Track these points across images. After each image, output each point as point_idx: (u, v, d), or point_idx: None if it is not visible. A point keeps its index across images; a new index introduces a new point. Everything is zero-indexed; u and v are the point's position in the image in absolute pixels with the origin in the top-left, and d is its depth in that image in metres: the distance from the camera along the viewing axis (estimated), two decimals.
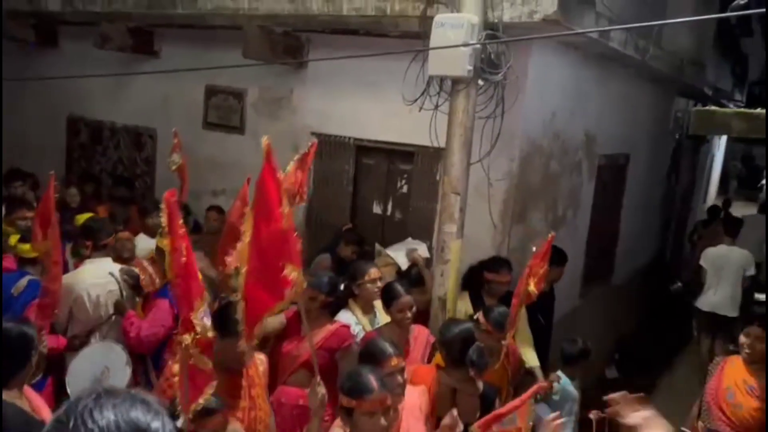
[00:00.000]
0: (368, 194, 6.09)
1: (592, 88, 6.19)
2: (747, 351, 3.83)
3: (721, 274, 7.36)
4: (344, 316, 4.24)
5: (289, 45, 5.88)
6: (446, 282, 4.55)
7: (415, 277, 4.78)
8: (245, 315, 2.82)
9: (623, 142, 7.34)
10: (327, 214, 6.18)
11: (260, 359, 3.38)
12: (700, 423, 4.03)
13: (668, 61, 7.12)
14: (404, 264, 4.95)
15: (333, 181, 6.14)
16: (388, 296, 4.04)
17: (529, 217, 5.50)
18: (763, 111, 3.46)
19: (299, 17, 5.32)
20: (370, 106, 5.71)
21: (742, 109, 3.03)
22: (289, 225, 2.84)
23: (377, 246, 5.40)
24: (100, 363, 3.87)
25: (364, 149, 5.99)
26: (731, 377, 3.94)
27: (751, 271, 7.44)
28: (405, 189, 5.87)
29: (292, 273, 2.77)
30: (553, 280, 5.16)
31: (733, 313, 7.33)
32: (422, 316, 4.45)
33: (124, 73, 6.84)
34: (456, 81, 4.34)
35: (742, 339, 3.86)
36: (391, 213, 5.99)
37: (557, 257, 5.21)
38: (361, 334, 4.14)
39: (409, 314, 3.97)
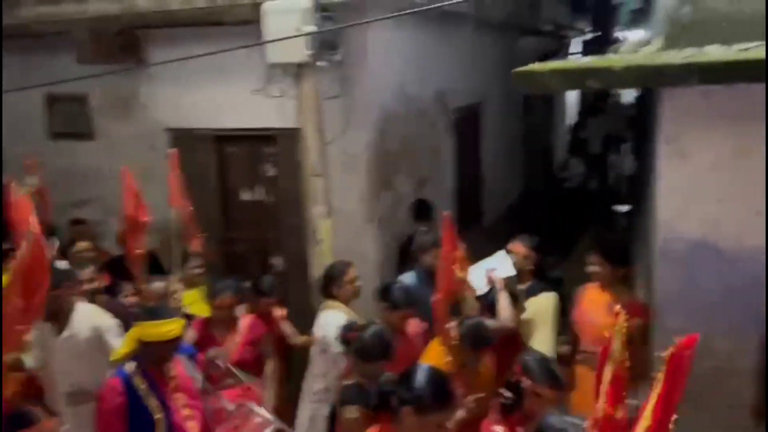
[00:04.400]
0: (236, 182, 6.07)
1: (436, 47, 6.42)
2: (596, 276, 4.20)
3: None
4: (333, 318, 3.95)
5: (125, 44, 5.66)
6: (321, 261, 4.70)
7: (489, 302, 4.02)
8: None
9: (475, 92, 7.69)
10: (196, 208, 6.11)
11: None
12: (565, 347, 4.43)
13: (502, 8, 7.47)
14: (481, 287, 4.13)
15: (197, 174, 6.05)
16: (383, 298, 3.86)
17: (395, 182, 5.71)
18: (580, 61, 3.76)
19: (128, 17, 5.14)
20: (223, 94, 5.65)
21: (559, 65, 3.27)
22: None
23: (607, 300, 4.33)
24: None
25: (224, 139, 5.94)
26: (591, 301, 4.34)
27: None
28: (272, 172, 5.91)
29: None
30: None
31: None
32: (499, 345, 3.77)
33: None
34: (298, 66, 4.39)
35: (589, 267, 4.24)
36: (261, 198, 6.02)
37: (426, 212, 5.49)
38: None
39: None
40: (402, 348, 3.39)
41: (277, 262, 6.06)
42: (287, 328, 4.43)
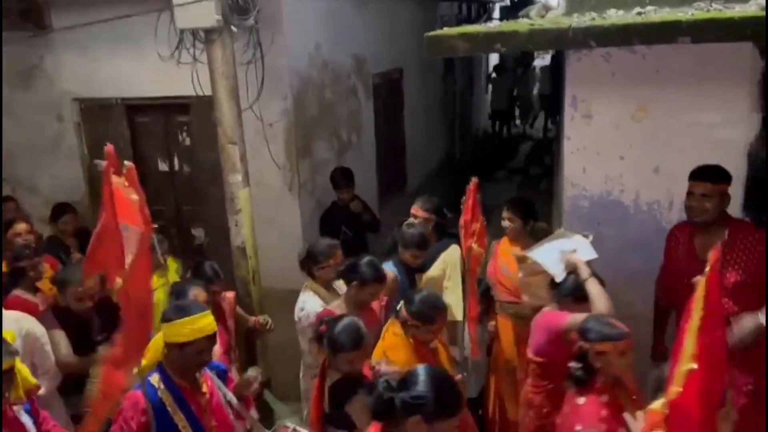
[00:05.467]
0: (151, 153, 5.91)
1: (354, 12, 6.38)
2: (508, 230, 4.35)
3: None
4: (311, 304, 3.90)
5: (25, 10, 5.36)
6: (242, 231, 4.66)
7: (571, 290, 3.31)
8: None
9: (395, 57, 7.69)
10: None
11: None
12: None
13: None
14: (559, 274, 3.42)
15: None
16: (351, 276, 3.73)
17: (314, 149, 5.69)
18: (489, 26, 3.81)
19: None
20: (132, 62, 5.44)
21: (468, 30, 3.31)
22: None
23: (516, 252, 4.00)
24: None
25: (135, 108, 5.75)
26: (503, 255, 4.49)
27: None
28: (188, 142, 5.78)
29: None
30: (350, 199, 5.49)
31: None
32: None
33: None
34: (208, 31, 4.29)
35: (502, 222, 4.38)
36: (178, 168, 5.88)
37: (347, 180, 5.51)
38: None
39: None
40: (367, 324, 3.29)
41: (198, 233, 5.97)
42: (241, 312, 4.45)
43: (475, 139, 13.53)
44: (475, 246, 3.97)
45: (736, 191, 3.55)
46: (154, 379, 2.75)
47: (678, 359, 1.78)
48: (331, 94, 5.97)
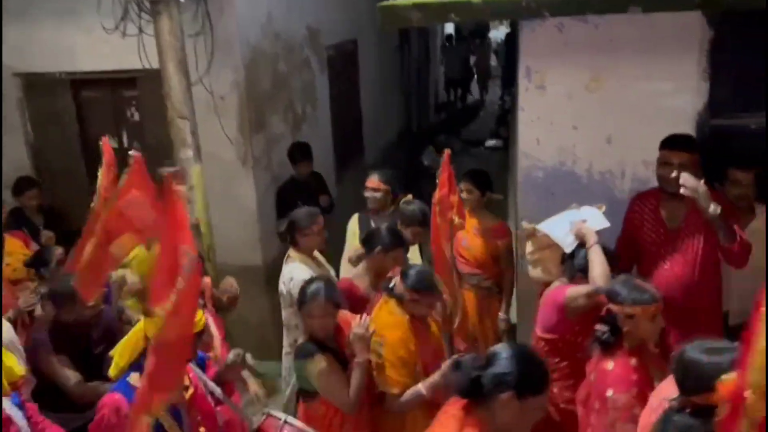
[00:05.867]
0: (98, 129, 5.68)
1: None
2: (466, 201, 4.35)
3: None
4: (297, 272, 3.78)
5: None
6: (195, 207, 4.56)
7: (584, 264, 3.19)
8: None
9: (349, 28, 7.57)
10: (56, 159, 5.74)
11: None
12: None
13: None
14: (569, 245, 3.31)
15: (54, 122, 5.65)
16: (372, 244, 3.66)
17: (268, 123, 5.58)
18: None
19: None
20: (76, 35, 5.22)
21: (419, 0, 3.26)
22: None
23: (524, 223, 3.74)
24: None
25: (81, 83, 5.54)
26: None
27: None
28: (136, 117, 5.60)
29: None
30: (308, 174, 5.44)
31: None
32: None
33: None
34: (154, 2, 4.13)
35: (461, 194, 4.38)
36: (128, 144, 5.70)
37: (304, 154, 5.45)
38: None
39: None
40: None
41: None
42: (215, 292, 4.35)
43: (432, 109, 13.52)
44: (456, 219, 3.87)
45: None
46: (134, 379, 2.61)
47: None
48: (285, 66, 5.85)
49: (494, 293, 4.48)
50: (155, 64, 4.46)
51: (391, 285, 3.21)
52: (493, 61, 17.07)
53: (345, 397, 2.96)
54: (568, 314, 3.07)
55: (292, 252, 3.97)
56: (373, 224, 4.28)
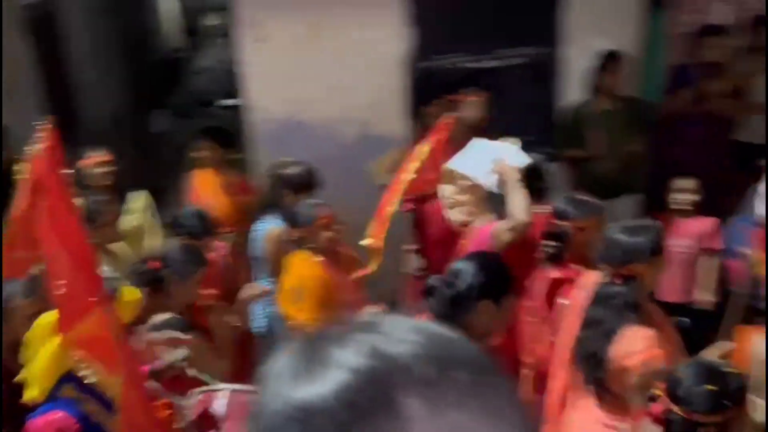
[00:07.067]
0: None
1: None
2: (206, 160, 4.24)
3: None
4: None
5: None
6: None
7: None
8: None
9: None
10: None
11: None
12: None
13: None
14: (493, 184, 3.14)
15: None
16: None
17: None
18: None
19: None
20: None
21: None
22: None
23: (443, 166, 3.38)
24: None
25: None
26: (204, 184, 4.38)
27: None
28: None
29: None
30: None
31: None
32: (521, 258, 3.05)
33: None
34: None
35: (200, 153, 4.27)
36: None
37: None
38: None
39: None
40: None
41: None
42: None
43: (162, 68, 12.64)
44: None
45: (394, 101, 3.90)
46: (69, 392, 2.28)
47: None
48: None
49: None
50: None
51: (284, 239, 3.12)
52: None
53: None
54: (496, 249, 3.02)
55: None
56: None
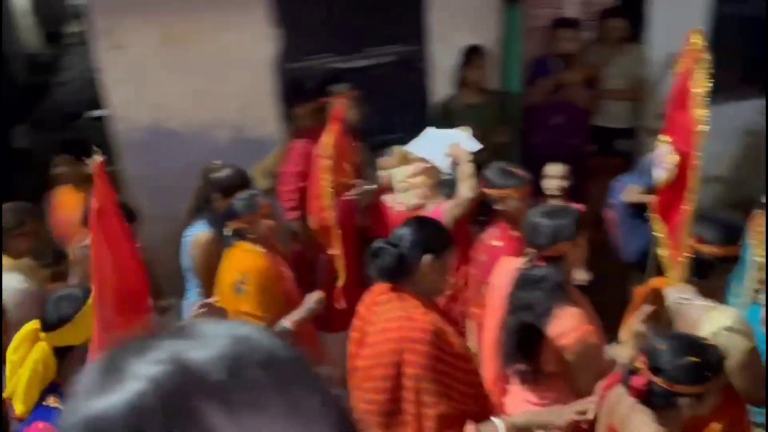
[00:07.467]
0: None
1: None
2: (66, 176, 4.03)
3: None
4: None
5: None
6: None
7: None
8: None
9: None
10: None
11: None
12: None
13: None
14: (446, 166, 3.36)
15: None
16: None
17: None
18: None
19: None
20: None
21: None
22: None
23: (394, 148, 3.54)
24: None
25: None
26: (65, 202, 4.16)
27: None
28: None
29: None
30: None
31: None
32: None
33: None
34: None
35: (57, 169, 4.05)
36: None
37: None
38: None
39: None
40: None
41: None
42: None
43: (23, 73, 11.68)
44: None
45: (266, 103, 3.88)
46: (53, 402, 2.20)
47: None
48: None
49: None
50: None
51: (225, 232, 3.00)
52: None
53: None
54: (447, 226, 3.05)
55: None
56: None
